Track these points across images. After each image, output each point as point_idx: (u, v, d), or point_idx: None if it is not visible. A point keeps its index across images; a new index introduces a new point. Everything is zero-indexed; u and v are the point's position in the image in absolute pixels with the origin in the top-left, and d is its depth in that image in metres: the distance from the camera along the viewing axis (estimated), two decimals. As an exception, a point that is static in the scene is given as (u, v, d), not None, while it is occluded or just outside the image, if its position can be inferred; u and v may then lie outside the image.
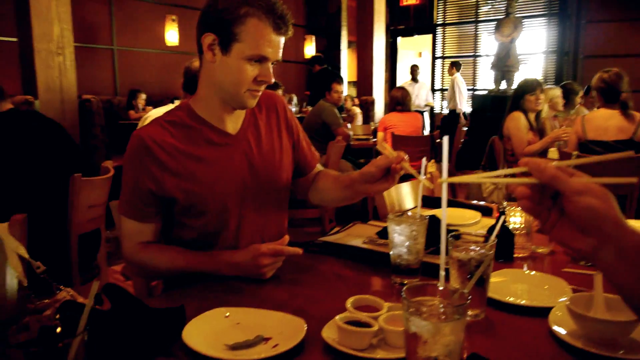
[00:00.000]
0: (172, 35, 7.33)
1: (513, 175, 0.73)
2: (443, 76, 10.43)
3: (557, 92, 4.61)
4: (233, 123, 1.36)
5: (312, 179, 1.57)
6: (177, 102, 4.66)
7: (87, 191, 2.14)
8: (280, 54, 1.27)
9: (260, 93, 1.30)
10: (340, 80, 4.99)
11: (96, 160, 4.93)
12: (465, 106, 8.98)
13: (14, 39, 4.61)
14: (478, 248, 0.98)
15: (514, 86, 7.39)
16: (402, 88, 5.09)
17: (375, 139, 5.51)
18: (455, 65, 9.06)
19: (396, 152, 1.25)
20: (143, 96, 6.55)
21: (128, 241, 1.32)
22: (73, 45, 4.68)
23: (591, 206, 0.66)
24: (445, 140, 0.79)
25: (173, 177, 1.26)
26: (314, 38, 9.51)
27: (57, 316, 0.70)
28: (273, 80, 1.27)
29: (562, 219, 0.70)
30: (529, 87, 3.97)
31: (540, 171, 0.69)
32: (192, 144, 1.30)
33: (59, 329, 0.66)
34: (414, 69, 9.16)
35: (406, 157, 1.24)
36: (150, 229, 1.31)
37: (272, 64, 1.27)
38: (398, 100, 4.93)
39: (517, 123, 3.90)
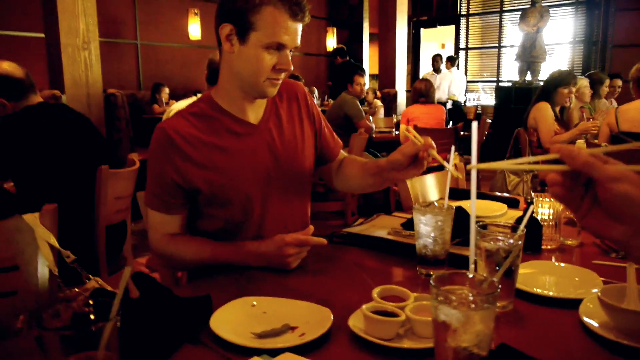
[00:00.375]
0: (194, 29, 7.40)
1: (545, 162, 0.72)
2: (467, 67, 10.29)
3: (584, 82, 4.50)
4: (254, 113, 1.37)
5: (337, 166, 1.57)
6: (199, 95, 4.70)
7: (113, 183, 2.18)
8: (299, 41, 1.26)
9: (280, 81, 1.30)
10: (362, 72, 4.97)
11: (121, 154, 5.00)
12: (461, 98, 9.07)
13: (41, 35, 4.70)
14: (506, 238, 0.97)
15: (541, 77, 7.29)
16: (425, 80, 5.02)
17: (397, 132, 5.47)
18: (450, 60, 9.08)
19: (424, 137, 1.24)
20: (166, 90, 6.63)
21: (155, 233, 1.33)
22: (98, 40, 4.75)
23: (627, 193, 0.64)
24: (474, 125, 0.78)
25: (197, 168, 1.27)
26: (335, 30, 9.48)
27: (90, 302, 0.71)
28: (292, 67, 1.27)
29: (594, 207, 0.69)
30: (563, 80, 3.87)
31: (573, 157, 0.67)
32: (214, 135, 1.30)
33: (92, 316, 0.67)
34: (435, 60, 9.02)
35: (434, 144, 1.23)
36: (176, 220, 1.32)
37: (290, 51, 1.27)
38: (421, 92, 4.87)
39: (544, 113, 3.82)
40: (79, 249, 1.39)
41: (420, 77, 9.38)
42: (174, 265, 1.42)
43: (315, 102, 7.61)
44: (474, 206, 0.72)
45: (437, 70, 8.85)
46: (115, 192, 2.20)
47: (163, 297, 0.97)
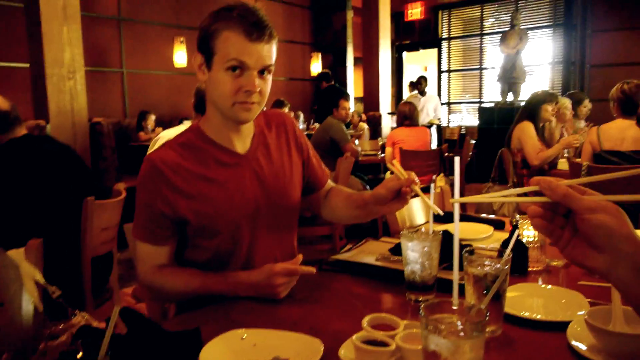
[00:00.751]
0: (180, 56, 7.43)
1: (525, 194, 0.73)
2: (449, 89, 10.45)
3: (565, 102, 4.59)
4: (242, 143, 1.37)
5: (323, 195, 1.58)
6: (186, 123, 4.71)
7: (99, 214, 2.16)
8: (267, 62, 1.25)
9: (254, 105, 1.28)
10: (346, 96, 5.03)
11: (107, 183, 4.97)
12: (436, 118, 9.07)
13: (26, 65, 4.70)
14: (493, 263, 0.98)
15: (522, 97, 7.43)
16: (409, 103, 5.07)
17: (383, 155, 5.52)
18: (412, 85, 9.16)
19: (407, 172, 1.26)
20: (152, 117, 6.62)
21: (143, 265, 1.32)
22: (84, 69, 4.76)
23: (604, 223, 0.66)
24: (457, 160, 0.79)
25: (185, 199, 1.27)
26: (320, 55, 9.59)
27: (79, 342, 0.70)
28: (257, 89, 1.25)
29: (575, 237, 0.70)
30: (548, 97, 3.97)
31: (552, 189, 0.69)
32: (203, 166, 1.31)
33: (79, 355, 0.66)
34: (419, 82, 9.04)
35: (417, 179, 1.25)
36: (165, 252, 1.32)
37: (261, 73, 1.26)
38: (405, 115, 4.92)
39: (527, 132, 3.90)
40: (65, 282, 1.37)
41: (404, 99, 9.46)
42: (163, 297, 1.41)
43: (301, 126, 7.59)
44: (457, 242, 0.73)
45: (421, 92, 8.85)
46: (101, 223, 2.18)
47: (151, 332, 0.96)
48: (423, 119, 8.62)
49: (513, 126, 4.03)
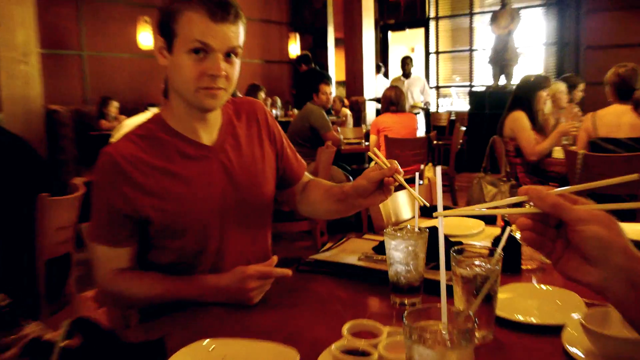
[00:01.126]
0: (145, 37, 7.32)
1: (514, 205, 0.73)
2: (438, 72, 10.48)
3: (560, 86, 4.61)
4: (208, 134, 1.35)
5: (300, 189, 1.56)
6: (152, 110, 4.63)
7: (55, 212, 2.11)
8: (233, 43, 1.23)
9: (219, 92, 1.26)
10: (328, 80, 5.00)
11: (65, 177, 4.88)
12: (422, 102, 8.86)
13: (-27, 48, 4.56)
14: (483, 263, 0.97)
15: (514, 81, 7.48)
16: (394, 87, 5.05)
17: (367, 143, 5.52)
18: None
19: (390, 161, 1.24)
20: (115, 104, 6.51)
21: (101, 269, 1.30)
22: (39, 52, 4.64)
23: (597, 235, 0.65)
24: (438, 170, 0.77)
25: (147, 196, 1.25)
26: (298, 36, 9.55)
27: (26, 358, 0.67)
28: (222, 72, 1.23)
29: (567, 251, 0.69)
30: (541, 83, 3.90)
31: (541, 199, 0.68)
32: (166, 159, 1.28)
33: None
34: (405, 62, 8.65)
35: (400, 168, 1.24)
36: (125, 254, 1.29)
37: (226, 56, 1.24)
38: (392, 100, 4.90)
39: (521, 123, 3.84)
40: (17, 287, 1.33)
41: (389, 82, 9.41)
42: (125, 303, 1.38)
43: (278, 112, 7.53)
44: (443, 256, 0.72)
45: (406, 74, 8.57)
46: (57, 222, 2.13)
47: (109, 344, 0.93)
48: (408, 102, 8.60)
49: (505, 114, 4.00)
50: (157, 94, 2.77)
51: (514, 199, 0.73)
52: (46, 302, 2.10)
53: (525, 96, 3.90)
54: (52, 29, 6.61)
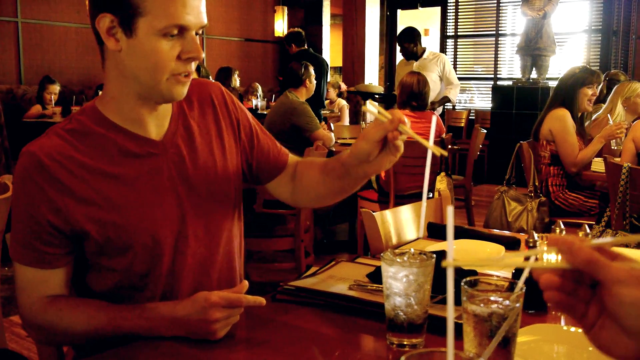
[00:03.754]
0: (97, 4, 7.29)
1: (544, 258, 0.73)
2: (456, 61, 10.55)
3: (637, 87, 4.42)
4: (156, 126, 1.36)
5: (290, 177, 1.57)
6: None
7: (-24, 216, 2.09)
8: (204, 18, 1.26)
9: (189, 78, 1.28)
10: (325, 67, 4.92)
11: (-8, 172, 4.84)
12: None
13: None
14: (501, 298, 0.98)
15: (550, 74, 7.54)
16: (417, 73, 4.66)
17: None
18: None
19: (390, 112, 1.23)
20: (56, 88, 6.42)
21: (26, 296, 1.29)
22: (-38, 18, 4.62)
23: (636, 301, 0.64)
24: (450, 212, 0.76)
25: (81, 205, 1.25)
26: (286, 10, 9.57)
27: None
28: (202, 54, 1.26)
29: (603, 317, 0.69)
30: (587, 79, 3.89)
31: (573, 253, 0.67)
32: (103, 158, 1.28)
33: None
34: (410, 38, 6.63)
35: (405, 117, 1.22)
36: (57, 278, 1.29)
37: (196, 33, 1.26)
38: (413, 91, 4.45)
39: (564, 123, 3.84)
40: None
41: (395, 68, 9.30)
42: (57, 339, 1.38)
43: (259, 102, 7.45)
44: (451, 287, 0.71)
45: (413, 55, 6.53)
46: (-22, 229, 2.12)
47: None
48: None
49: (545, 111, 4.01)
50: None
51: (538, 251, 0.72)
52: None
53: (566, 92, 3.92)
54: (-18, -11, 6.58)
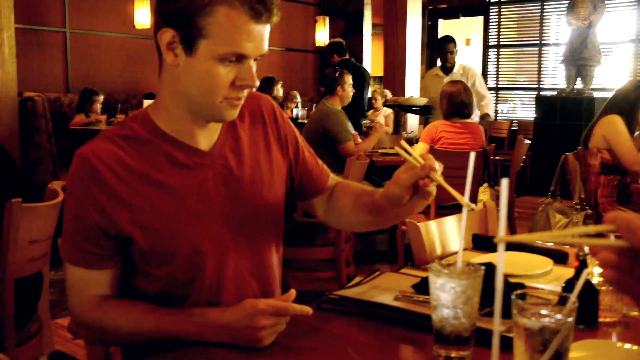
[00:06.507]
0: (142, 15, 7.43)
1: (595, 236, 0.72)
2: (498, 71, 10.44)
3: None
4: (206, 138, 1.37)
5: (327, 197, 1.58)
6: (148, 102, 4.67)
7: (27, 222, 2.14)
8: (265, 47, 1.28)
9: (242, 101, 1.30)
10: (366, 77, 4.86)
11: (40, 178, 4.96)
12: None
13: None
14: (553, 312, 0.96)
15: (595, 84, 7.39)
16: (460, 82, 4.51)
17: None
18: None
19: (423, 156, 1.23)
20: (100, 99, 6.51)
21: (76, 295, 1.32)
22: (14, 28, 4.75)
23: None
24: (504, 183, 0.77)
25: (126, 209, 1.27)
26: (327, 20, 9.61)
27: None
28: (257, 83, 1.28)
29: None
30: None
31: (632, 231, 0.67)
32: (151, 166, 1.30)
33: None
34: (443, 48, 6.31)
35: (437, 165, 1.22)
36: (106, 278, 1.31)
37: (254, 60, 1.27)
38: (463, 101, 4.27)
39: (617, 127, 3.77)
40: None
41: (423, 77, 9.06)
42: (105, 339, 1.40)
43: (299, 112, 7.45)
44: (500, 298, 0.70)
45: (446, 68, 6.26)
46: (29, 234, 2.17)
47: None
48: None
49: (596, 120, 3.93)
50: (155, 83, 2.82)
51: (595, 228, 0.72)
52: (12, 329, 2.13)
53: (626, 103, 3.83)
54: (31, 1, 6.76)
